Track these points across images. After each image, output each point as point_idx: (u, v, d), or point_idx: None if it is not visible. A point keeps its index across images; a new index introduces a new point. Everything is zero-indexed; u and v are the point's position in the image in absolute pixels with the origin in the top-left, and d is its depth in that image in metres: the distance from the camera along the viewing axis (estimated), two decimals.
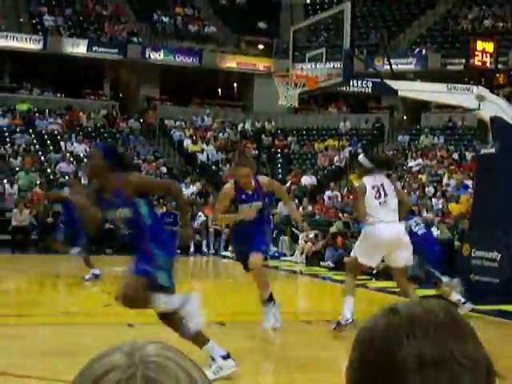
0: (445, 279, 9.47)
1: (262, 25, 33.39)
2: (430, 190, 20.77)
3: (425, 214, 17.55)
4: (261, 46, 33.50)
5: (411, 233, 8.46)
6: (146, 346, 0.83)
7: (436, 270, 9.34)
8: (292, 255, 18.08)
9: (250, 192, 6.97)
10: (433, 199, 19.47)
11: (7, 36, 27.63)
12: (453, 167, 22.53)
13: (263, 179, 7.34)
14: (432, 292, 9.60)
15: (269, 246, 7.19)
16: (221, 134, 28.61)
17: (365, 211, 7.27)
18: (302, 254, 17.51)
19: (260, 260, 6.89)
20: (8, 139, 24.67)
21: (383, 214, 7.26)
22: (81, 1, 31.42)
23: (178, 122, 28.94)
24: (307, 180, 24.92)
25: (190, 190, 23.05)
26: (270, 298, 6.92)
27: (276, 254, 18.70)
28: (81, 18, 30.64)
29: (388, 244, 7.24)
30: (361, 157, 7.85)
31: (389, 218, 7.29)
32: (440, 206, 18.53)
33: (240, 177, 6.96)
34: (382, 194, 7.31)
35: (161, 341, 0.85)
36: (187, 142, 27.41)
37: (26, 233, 18.70)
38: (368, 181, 7.35)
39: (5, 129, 25.37)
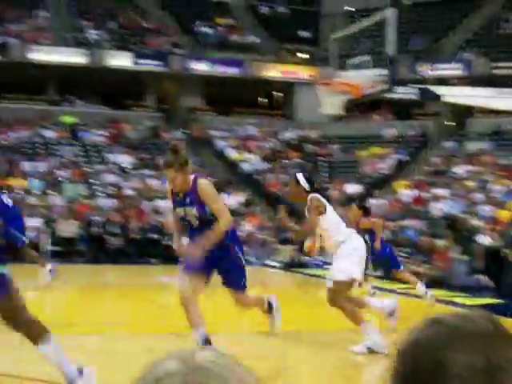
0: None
1: (303, 33, 33.38)
2: (477, 196, 20.41)
3: (473, 221, 17.25)
4: (303, 55, 33.50)
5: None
6: (199, 353, 0.83)
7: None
8: None
9: (182, 195, 5.84)
10: (480, 206, 19.12)
11: (52, 51, 28.17)
12: (501, 173, 22.12)
13: (202, 182, 5.87)
14: (482, 301, 9.38)
15: (245, 274, 6.20)
16: (264, 144, 28.63)
17: (316, 227, 6.95)
18: None
19: (245, 298, 6.32)
20: (54, 152, 25.07)
21: (348, 229, 7.19)
22: (124, 14, 31.88)
23: (220, 132, 29.07)
24: (351, 188, 24.74)
25: (233, 199, 23.06)
26: (270, 307, 6.78)
27: (320, 263, 18.55)
28: (124, 31, 31.08)
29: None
30: (300, 176, 7.07)
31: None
32: (488, 213, 18.18)
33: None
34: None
35: (214, 348, 0.81)
36: (231, 152, 27.50)
37: (73, 244, 18.97)
38: (322, 198, 6.96)
39: (51, 141, 25.79)
